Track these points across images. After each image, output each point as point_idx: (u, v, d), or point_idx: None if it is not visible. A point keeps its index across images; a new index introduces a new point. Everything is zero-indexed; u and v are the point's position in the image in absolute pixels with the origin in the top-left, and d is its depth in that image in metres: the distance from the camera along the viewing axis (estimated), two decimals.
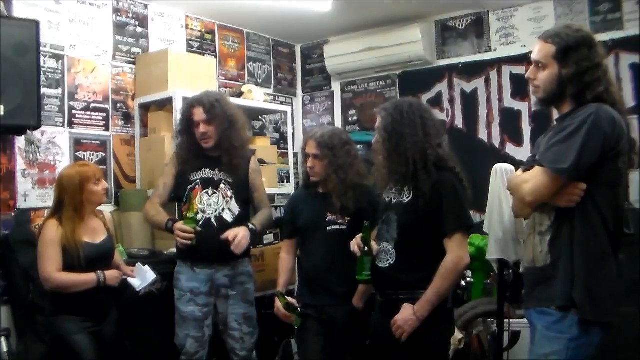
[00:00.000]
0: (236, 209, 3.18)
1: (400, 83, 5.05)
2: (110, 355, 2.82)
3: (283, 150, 5.13)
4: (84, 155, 3.79)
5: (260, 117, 5.04)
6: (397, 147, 2.46)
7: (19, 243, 3.18)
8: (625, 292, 2.22)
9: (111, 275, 2.83)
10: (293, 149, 5.01)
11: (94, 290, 2.76)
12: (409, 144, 2.44)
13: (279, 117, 5.22)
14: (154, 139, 3.98)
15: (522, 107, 4.48)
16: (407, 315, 2.38)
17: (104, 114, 3.94)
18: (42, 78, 3.41)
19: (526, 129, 4.45)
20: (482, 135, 4.66)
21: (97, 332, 2.80)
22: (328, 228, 2.96)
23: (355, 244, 2.52)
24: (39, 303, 3.01)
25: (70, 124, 3.74)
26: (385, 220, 2.55)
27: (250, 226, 3.15)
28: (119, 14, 4.08)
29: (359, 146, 3.34)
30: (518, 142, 4.50)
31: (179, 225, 3.00)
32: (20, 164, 3.44)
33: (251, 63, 5.10)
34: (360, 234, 2.52)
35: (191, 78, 3.97)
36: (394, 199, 2.54)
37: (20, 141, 3.39)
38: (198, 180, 3.18)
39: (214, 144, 3.18)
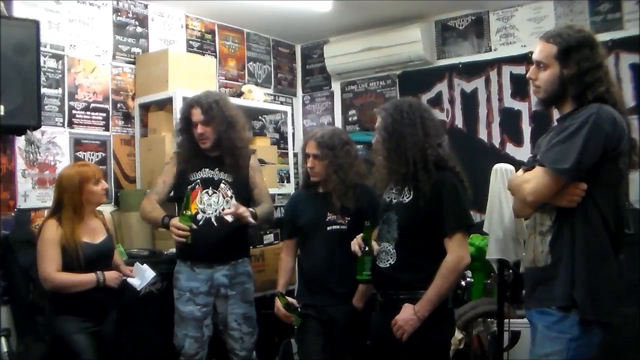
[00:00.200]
0: None
1: (400, 83, 5.05)
2: (109, 355, 2.82)
3: (283, 150, 5.13)
4: (84, 155, 3.79)
5: (260, 117, 5.04)
6: (397, 147, 2.46)
7: (19, 243, 3.18)
8: (626, 292, 2.22)
9: (110, 275, 2.82)
10: (293, 149, 5.01)
11: (93, 290, 2.75)
12: (409, 143, 2.44)
13: (279, 117, 5.22)
14: (154, 139, 3.98)
15: (522, 107, 4.49)
16: (407, 315, 2.38)
17: (104, 114, 3.94)
18: (42, 78, 3.41)
19: (526, 129, 4.46)
20: (482, 135, 4.66)
21: (97, 332, 2.80)
22: (328, 228, 2.96)
23: (355, 244, 2.52)
24: (39, 303, 3.01)
25: (70, 124, 3.74)
26: (386, 220, 2.55)
27: (251, 210, 3.12)
28: (119, 14, 4.08)
29: (359, 146, 3.34)
30: (518, 142, 4.50)
31: (175, 221, 2.97)
32: (20, 164, 3.44)
33: (251, 63, 5.10)
34: (361, 234, 2.52)
35: (191, 78, 3.97)
36: (394, 199, 2.54)
37: (20, 141, 3.39)
38: (198, 180, 3.18)
39: (211, 144, 3.18)
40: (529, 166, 2.14)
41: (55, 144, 3.63)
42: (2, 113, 2.96)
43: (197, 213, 3.10)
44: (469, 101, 4.72)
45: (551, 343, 2.00)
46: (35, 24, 3.17)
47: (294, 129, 5.36)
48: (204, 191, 3.16)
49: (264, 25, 4.97)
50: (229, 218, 3.03)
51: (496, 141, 4.60)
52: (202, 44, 4.65)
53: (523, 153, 4.28)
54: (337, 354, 2.92)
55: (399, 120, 2.48)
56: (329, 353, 2.89)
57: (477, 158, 4.33)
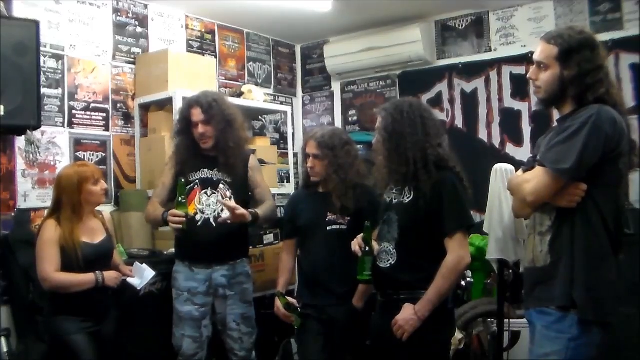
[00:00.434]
0: None
1: (400, 83, 5.05)
2: (109, 355, 2.82)
3: (283, 150, 5.13)
4: (84, 155, 3.79)
5: (260, 117, 5.04)
6: (397, 147, 2.46)
7: (19, 243, 3.18)
8: (626, 292, 2.22)
9: (110, 276, 2.82)
10: (293, 149, 5.01)
11: (92, 290, 2.75)
12: (409, 143, 2.44)
13: (279, 117, 5.22)
14: (154, 139, 3.98)
15: (522, 107, 4.49)
16: (408, 315, 2.38)
17: (104, 114, 3.94)
18: (42, 78, 3.41)
19: (526, 129, 4.46)
20: (482, 135, 4.66)
21: (96, 332, 2.80)
22: (328, 228, 2.96)
23: (356, 244, 2.52)
24: (39, 303, 3.01)
25: (70, 124, 3.74)
26: (386, 220, 2.55)
27: (251, 210, 3.10)
28: (119, 14, 4.08)
29: (359, 146, 3.34)
30: (518, 142, 4.50)
31: (172, 210, 2.96)
32: (20, 164, 3.44)
33: (251, 63, 5.10)
34: (362, 234, 2.52)
35: (191, 78, 3.97)
36: (395, 199, 2.54)
37: (20, 141, 3.39)
38: (197, 181, 3.17)
39: (212, 144, 3.17)
40: (528, 166, 2.14)
41: (55, 144, 3.64)
42: (2, 113, 2.96)
43: (196, 214, 3.10)
44: (469, 101, 4.72)
45: (550, 343, 2.00)
46: (35, 24, 3.17)
47: (294, 129, 5.36)
48: (203, 191, 3.15)
49: (264, 25, 4.97)
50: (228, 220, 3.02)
51: (496, 141, 4.60)
52: (202, 44, 4.65)
53: (523, 153, 4.28)
54: (337, 354, 2.92)
55: (399, 120, 2.49)
56: (329, 353, 2.89)
57: (477, 158, 4.33)
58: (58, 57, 3.69)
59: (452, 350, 3.17)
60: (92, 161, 3.77)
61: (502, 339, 3.20)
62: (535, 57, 2.13)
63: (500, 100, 4.59)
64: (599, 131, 1.92)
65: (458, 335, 3.31)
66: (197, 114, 3.12)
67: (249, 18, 4.75)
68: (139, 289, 3.01)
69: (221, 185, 3.17)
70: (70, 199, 2.78)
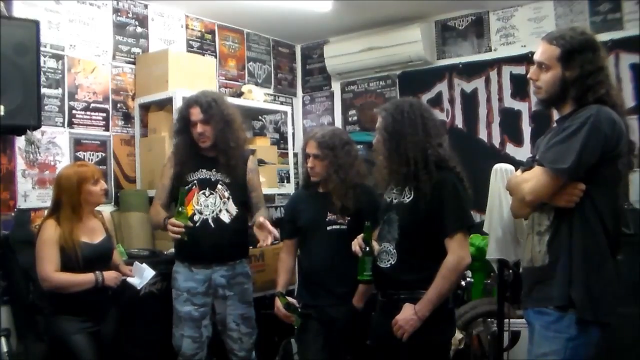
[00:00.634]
0: (234, 209, 3.17)
1: (400, 83, 5.05)
2: (109, 355, 2.82)
3: (283, 150, 5.13)
4: (84, 155, 3.79)
5: (260, 117, 5.04)
6: (397, 147, 2.46)
7: (19, 243, 3.18)
8: (625, 292, 2.22)
9: (109, 276, 2.82)
10: (293, 149, 5.02)
11: (92, 290, 2.75)
12: (409, 143, 2.44)
13: (279, 117, 5.22)
14: (154, 139, 3.99)
15: (522, 107, 4.49)
16: (408, 315, 2.39)
17: (104, 114, 3.94)
18: (42, 78, 3.41)
19: (526, 129, 4.46)
20: (482, 135, 4.66)
21: (96, 332, 2.80)
22: (328, 228, 2.96)
23: (356, 244, 2.52)
24: (39, 303, 3.01)
25: (70, 124, 3.74)
26: (387, 220, 2.55)
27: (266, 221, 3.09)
28: (119, 14, 4.08)
29: (359, 146, 3.34)
30: (518, 142, 4.50)
31: (172, 220, 2.96)
32: (20, 164, 3.44)
33: (251, 63, 5.10)
34: (362, 234, 2.52)
35: (191, 78, 3.97)
36: (395, 199, 2.55)
37: (20, 141, 3.39)
38: (195, 181, 3.17)
39: (211, 143, 3.17)
40: (527, 166, 2.14)
41: (55, 144, 3.64)
42: (2, 113, 2.96)
43: (194, 214, 3.09)
44: (469, 101, 4.72)
45: (548, 343, 2.00)
46: (35, 24, 3.17)
47: (294, 129, 5.36)
48: (201, 192, 3.15)
49: (264, 25, 4.97)
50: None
51: (496, 141, 4.60)
52: (202, 44, 4.65)
53: (523, 153, 4.28)
54: (337, 354, 2.92)
55: (399, 120, 2.49)
56: (329, 353, 2.89)
57: (477, 158, 4.32)
58: (58, 57, 3.69)
59: (452, 350, 3.18)
60: (92, 161, 3.77)
61: (502, 339, 3.20)
62: (536, 57, 2.13)
63: (500, 100, 4.59)
64: (597, 131, 1.93)
65: (458, 335, 3.32)
66: (196, 114, 3.12)
67: (249, 18, 4.75)
68: (138, 288, 3.01)
69: (219, 186, 3.17)
70: (69, 199, 2.79)
